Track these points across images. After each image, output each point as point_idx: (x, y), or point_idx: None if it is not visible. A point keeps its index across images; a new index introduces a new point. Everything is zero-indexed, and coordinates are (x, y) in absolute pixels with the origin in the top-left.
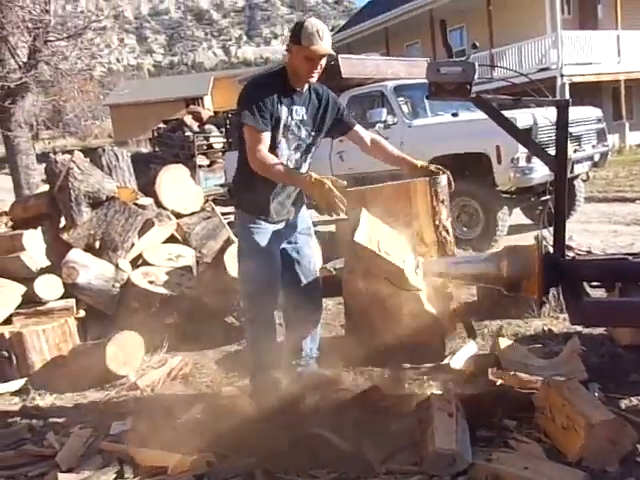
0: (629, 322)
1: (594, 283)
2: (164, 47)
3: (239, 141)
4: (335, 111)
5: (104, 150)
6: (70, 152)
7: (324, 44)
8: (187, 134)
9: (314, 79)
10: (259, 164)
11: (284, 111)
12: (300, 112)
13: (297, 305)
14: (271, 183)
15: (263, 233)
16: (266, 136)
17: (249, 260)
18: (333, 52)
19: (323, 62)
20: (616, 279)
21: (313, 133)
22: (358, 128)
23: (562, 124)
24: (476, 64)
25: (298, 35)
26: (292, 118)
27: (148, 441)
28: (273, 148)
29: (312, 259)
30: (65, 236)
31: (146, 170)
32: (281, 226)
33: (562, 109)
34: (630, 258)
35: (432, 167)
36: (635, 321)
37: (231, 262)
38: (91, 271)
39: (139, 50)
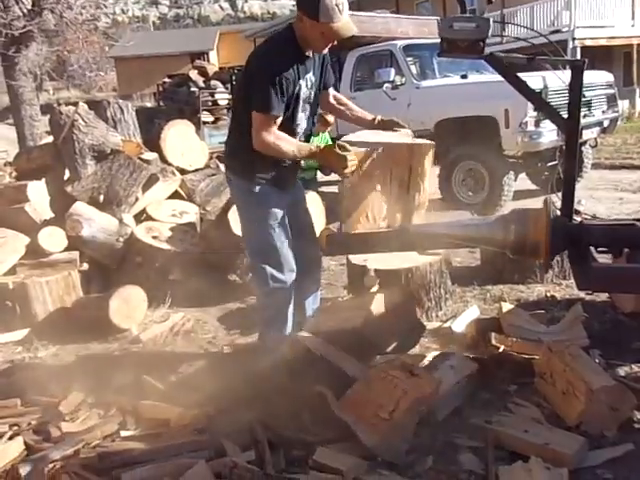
0: (637, 289)
1: (601, 249)
2: None
3: (242, 103)
4: (327, 65)
5: (109, 103)
6: (74, 104)
7: (345, 20)
8: (192, 90)
9: (325, 52)
10: (267, 147)
11: (302, 84)
12: (312, 78)
13: (300, 266)
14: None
15: (271, 197)
16: (278, 120)
17: (261, 226)
18: (356, 30)
19: None
20: (624, 245)
21: (319, 92)
22: (332, 89)
23: (576, 86)
24: (491, 20)
25: (315, 8)
26: (307, 87)
27: (150, 394)
28: (292, 122)
29: (311, 219)
30: (69, 189)
31: (150, 125)
32: (286, 189)
33: (577, 70)
34: (638, 224)
35: (395, 119)
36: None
37: (234, 220)
38: (95, 224)
39: (144, 1)
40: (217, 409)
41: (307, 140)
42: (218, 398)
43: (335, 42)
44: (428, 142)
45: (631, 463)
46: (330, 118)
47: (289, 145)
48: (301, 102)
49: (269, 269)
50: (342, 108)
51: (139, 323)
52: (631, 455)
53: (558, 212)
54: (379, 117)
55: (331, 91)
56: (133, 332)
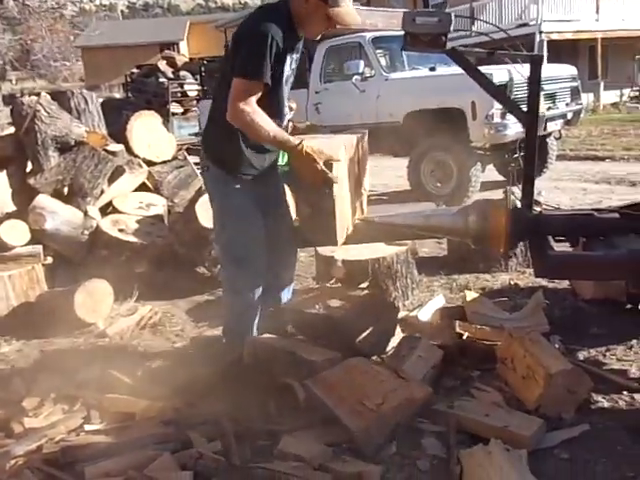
0: (590, 276)
1: (559, 238)
2: None
3: (220, 87)
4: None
5: (73, 93)
6: (38, 94)
7: (351, 9)
8: (161, 80)
9: (317, 37)
10: (243, 120)
11: (287, 63)
12: (295, 61)
13: (276, 257)
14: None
15: (250, 192)
16: (261, 91)
17: (236, 223)
18: (358, 21)
19: None
20: (581, 234)
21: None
22: None
23: (535, 79)
24: (452, 15)
25: None
26: (291, 68)
27: (116, 388)
28: (277, 102)
29: (289, 210)
30: (32, 181)
31: (118, 116)
32: (265, 182)
33: (536, 64)
34: (595, 214)
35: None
36: (596, 275)
37: (203, 212)
38: (59, 217)
39: None
40: (183, 402)
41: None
42: (184, 391)
43: (334, 28)
44: (361, 132)
45: (587, 443)
46: (292, 104)
47: (267, 125)
48: (284, 82)
49: (238, 270)
50: None
51: (105, 317)
52: (587, 435)
53: (519, 203)
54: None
55: None
56: (99, 326)
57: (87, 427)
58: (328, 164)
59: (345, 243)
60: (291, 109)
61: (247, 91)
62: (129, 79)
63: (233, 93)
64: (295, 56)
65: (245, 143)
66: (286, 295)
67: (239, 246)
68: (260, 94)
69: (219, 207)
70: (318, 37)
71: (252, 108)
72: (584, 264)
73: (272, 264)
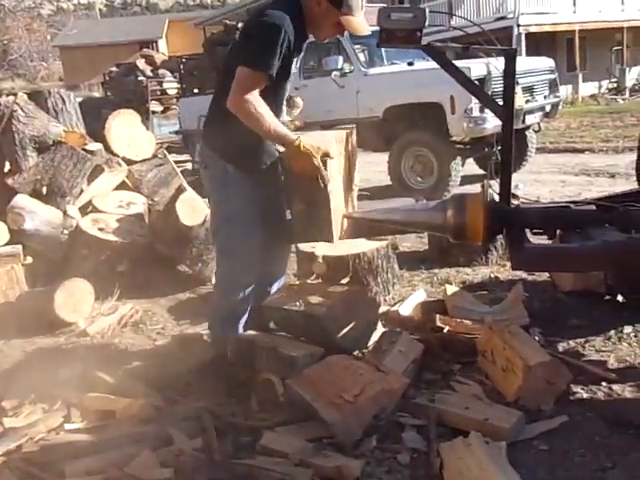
0: (566, 267)
1: (537, 230)
2: None
3: (227, 80)
4: None
5: (50, 93)
6: (14, 94)
7: (363, 20)
8: (140, 79)
9: (325, 40)
10: (244, 110)
11: (294, 62)
12: (298, 60)
13: (270, 254)
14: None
15: (249, 191)
16: (265, 83)
17: (233, 224)
18: (369, 31)
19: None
20: (558, 226)
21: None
22: None
23: (509, 73)
24: (427, 10)
25: None
26: (296, 68)
27: (96, 387)
28: (276, 99)
29: (284, 207)
30: (10, 181)
31: (97, 115)
32: (265, 177)
33: (510, 58)
34: (572, 206)
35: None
36: (572, 266)
37: (183, 210)
38: (38, 217)
39: None
40: (164, 399)
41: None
42: (166, 388)
43: (342, 35)
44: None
45: (565, 434)
46: (299, 100)
47: (269, 117)
48: (289, 79)
49: (230, 269)
50: None
51: (86, 316)
52: (565, 426)
53: (496, 196)
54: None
55: None
56: (80, 325)
57: (67, 426)
58: (323, 161)
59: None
60: (297, 105)
61: (252, 81)
62: (107, 77)
63: (237, 82)
64: (300, 56)
65: (246, 135)
66: (277, 287)
67: (235, 245)
68: (263, 87)
69: (216, 206)
70: (324, 40)
71: (255, 98)
72: (559, 256)
73: (266, 260)
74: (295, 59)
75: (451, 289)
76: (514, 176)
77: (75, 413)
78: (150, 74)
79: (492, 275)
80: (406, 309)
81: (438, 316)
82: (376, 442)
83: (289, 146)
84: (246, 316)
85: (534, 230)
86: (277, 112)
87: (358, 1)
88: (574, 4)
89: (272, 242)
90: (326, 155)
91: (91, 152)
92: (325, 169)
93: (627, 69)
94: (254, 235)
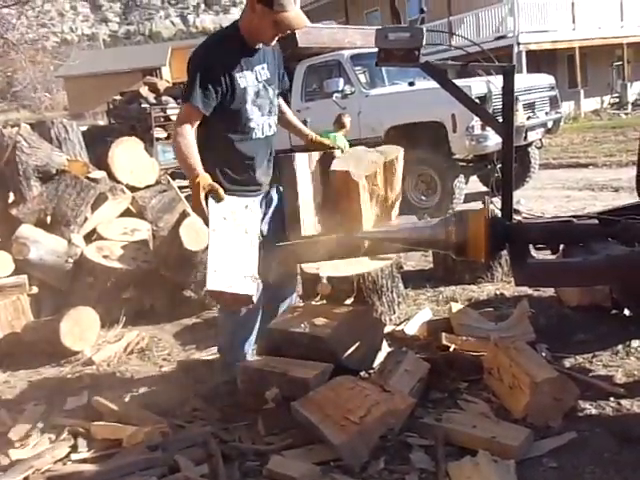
0: (569, 282)
1: (540, 245)
2: (119, 16)
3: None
4: (280, 64)
5: (53, 123)
6: (17, 125)
7: (298, 12)
8: (143, 106)
9: (273, 43)
10: (174, 140)
11: (250, 76)
12: (264, 71)
13: (277, 275)
14: (248, 153)
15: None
16: (199, 116)
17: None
18: (307, 23)
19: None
20: (560, 241)
21: (277, 90)
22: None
23: (508, 90)
24: (424, 29)
25: None
26: (259, 80)
27: (103, 415)
28: (245, 120)
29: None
30: (14, 211)
31: (102, 143)
32: (258, 194)
33: (508, 75)
34: (574, 220)
35: (326, 142)
36: (575, 281)
37: (187, 235)
38: (42, 247)
39: (93, 19)
40: (171, 426)
41: (267, 145)
42: (172, 415)
43: (284, 33)
44: (395, 148)
45: (574, 450)
46: (347, 120)
47: (185, 149)
48: (251, 95)
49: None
50: (285, 118)
51: (92, 345)
52: (574, 443)
53: (498, 212)
54: (314, 135)
55: (282, 101)
56: (86, 354)
57: (74, 456)
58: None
59: (332, 259)
60: (344, 125)
61: (183, 114)
62: (111, 105)
63: (178, 115)
64: (259, 67)
65: (226, 160)
66: (286, 305)
67: None
68: (197, 118)
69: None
70: (273, 42)
71: (181, 131)
72: (562, 271)
73: (273, 280)
74: (251, 74)
75: (456, 307)
76: (518, 192)
77: (82, 443)
78: (153, 101)
79: (498, 292)
80: (412, 328)
81: (444, 334)
82: (384, 464)
83: (191, 178)
84: (254, 336)
85: (537, 245)
86: (246, 131)
87: None
88: (573, 21)
89: (277, 261)
90: (211, 191)
91: (95, 180)
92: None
93: (629, 84)
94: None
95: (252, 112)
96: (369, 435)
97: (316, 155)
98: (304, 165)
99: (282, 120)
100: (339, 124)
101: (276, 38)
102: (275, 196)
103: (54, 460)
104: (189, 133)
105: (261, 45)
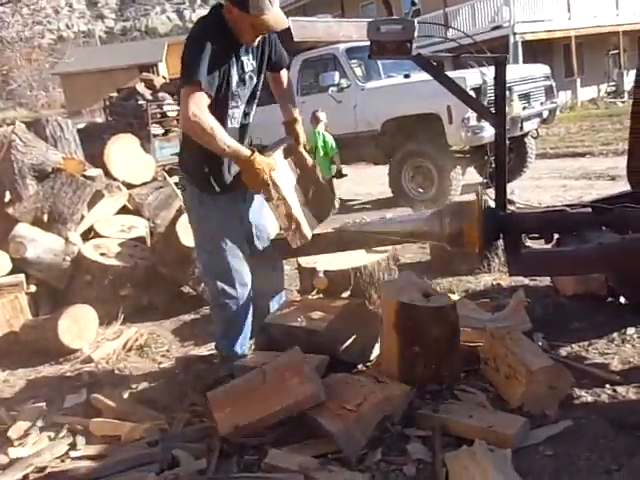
0: (563, 271)
1: (534, 235)
2: (115, 12)
3: None
4: (273, 46)
5: (48, 121)
6: (12, 124)
7: (276, 12)
8: (140, 102)
9: (256, 43)
10: (195, 125)
11: (236, 66)
12: (250, 61)
13: (262, 272)
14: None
15: (225, 207)
16: (206, 98)
17: (215, 240)
18: (287, 23)
19: None
20: (554, 230)
21: (260, 77)
22: (285, 72)
23: (500, 80)
24: (415, 21)
25: (245, 0)
26: (244, 71)
27: (102, 412)
28: (226, 108)
29: (268, 227)
30: (11, 210)
31: (100, 140)
32: (236, 195)
33: (500, 65)
34: (568, 209)
35: (296, 127)
36: (568, 269)
37: (183, 231)
38: (39, 245)
39: (89, 15)
40: (169, 421)
41: (242, 133)
42: (171, 410)
43: (266, 34)
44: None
45: (570, 438)
46: (321, 115)
47: (220, 132)
48: (235, 83)
49: (220, 284)
50: (283, 93)
51: (91, 342)
52: (570, 430)
53: (492, 203)
54: (294, 119)
55: (284, 74)
56: (85, 352)
57: (73, 453)
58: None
59: (328, 252)
60: (318, 120)
61: (190, 96)
62: (107, 102)
63: (182, 103)
64: (245, 58)
65: (213, 162)
66: (277, 303)
67: (219, 261)
68: (206, 99)
69: (197, 226)
70: (255, 42)
71: (202, 115)
72: (556, 260)
73: (259, 276)
74: (237, 63)
75: (453, 298)
76: (515, 182)
77: (81, 440)
78: (150, 97)
79: (494, 282)
80: None
81: None
82: (381, 455)
83: (242, 161)
84: (248, 332)
85: (531, 235)
86: (226, 119)
87: (265, 0)
88: (569, 10)
89: (259, 258)
90: (272, 169)
91: (91, 178)
92: (276, 185)
93: (625, 72)
94: (237, 250)
95: (235, 99)
96: (366, 422)
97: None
98: (287, 170)
99: (281, 98)
100: (315, 120)
101: (258, 39)
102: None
103: (53, 458)
104: (209, 115)
105: None
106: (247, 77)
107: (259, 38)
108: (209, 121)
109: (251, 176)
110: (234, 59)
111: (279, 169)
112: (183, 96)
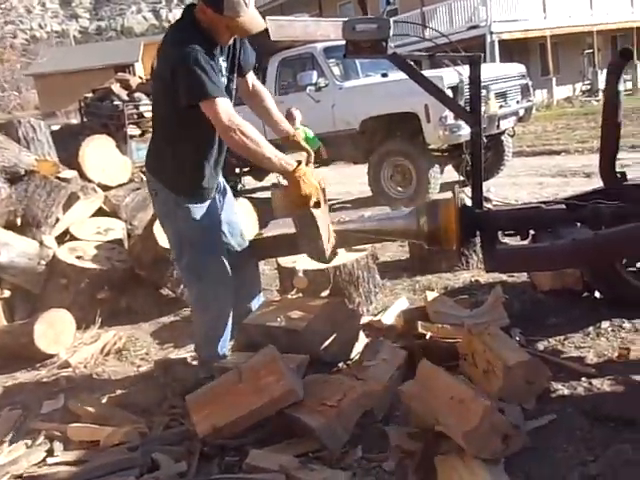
0: (538, 266)
1: (510, 232)
2: (90, 11)
3: (164, 103)
4: (241, 47)
5: (20, 122)
6: None
7: (251, 14)
8: (116, 103)
9: (230, 42)
10: (237, 141)
11: (222, 72)
12: (225, 63)
13: (235, 272)
14: (203, 156)
15: (203, 209)
16: (230, 103)
17: (195, 242)
18: (264, 25)
19: None
20: (529, 227)
21: (234, 76)
22: (251, 74)
23: (475, 79)
24: (391, 20)
25: (219, 1)
26: (223, 75)
27: (80, 418)
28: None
29: (239, 223)
30: None
31: (75, 142)
32: (213, 197)
33: (474, 64)
34: (543, 206)
35: (304, 145)
36: (543, 265)
37: (161, 233)
38: (13, 249)
39: (63, 15)
40: (150, 425)
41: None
42: (150, 414)
43: (242, 36)
44: None
45: (547, 431)
46: (296, 112)
47: (264, 140)
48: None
49: (202, 287)
50: (260, 102)
51: (68, 347)
52: (548, 423)
53: (468, 200)
54: (293, 131)
55: (250, 77)
56: (62, 357)
57: (50, 460)
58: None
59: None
60: (292, 116)
61: (223, 110)
62: (83, 103)
63: (214, 119)
64: (221, 60)
65: (192, 165)
66: (256, 304)
67: (201, 264)
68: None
69: (174, 230)
70: (230, 41)
71: (240, 126)
72: (530, 256)
73: (238, 280)
74: (218, 66)
75: (432, 295)
76: (492, 180)
77: (58, 446)
78: (126, 98)
79: (473, 279)
80: (388, 318)
81: (420, 323)
82: (362, 452)
83: (290, 175)
84: (229, 334)
85: (507, 232)
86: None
87: (240, 1)
88: (544, 10)
89: (237, 261)
90: (319, 185)
91: (65, 180)
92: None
93: (599, 71)
94: (218, 250)
95: None
96: (347, 417)
97: None
98: None
99: (258, 107)
100: (291, 118)
101: (231, 40)
102: (222, 183)
103: (30, 465)
104: (246, 122)
105: None
106: (226, 80)
107: (231, 40)
108: (250, 130)
109: (302, 189)
110: (219, 63)
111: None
112: (209, 110)
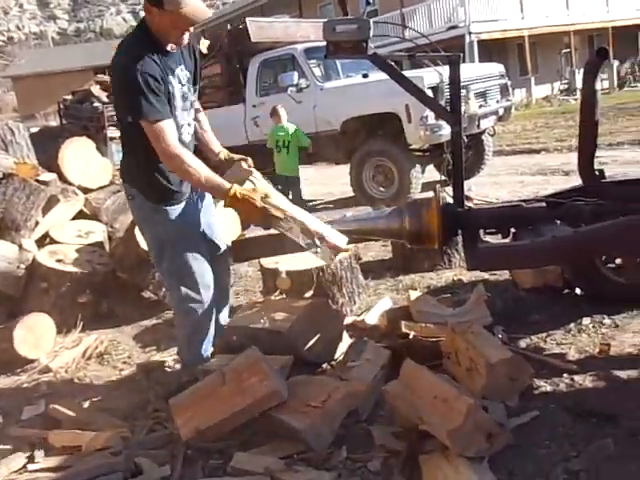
0: (518, 264)
1: (491, 230)
2: (68, 13)
3: (122, 113)
4: (197, 58)
5: None
6: None
7: (194, 4)
8: (95, 105)
9: (185, 42)
10: (175, 164)
11: (174, 81)
12: (183, 72)
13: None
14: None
15: (180, 212)
16: (172, 125)
17: (174, 245)
18: (209, 14)
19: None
20: (510, 225)
21: (195, 85)
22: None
23: (454, 79)
24: (371, 21)
25: None
26: (182, 83)
27: (61, 422)
28: (178, 128)
29: (218, 225)
30: None
31: (55, 144)
32: (189, 198)
33: (454, 64)
34: (523, 204)
35: (235, 157)
36: (523, 263)
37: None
38: None
39: (41, 16)
40: (132, 429)
41: (191, 141)
42: (132, 417)
43: (190, 30)
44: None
45: (530, 427)
46: (281, 110)
47: (200, 168)
48: (179, 100)
49: (184, 289)
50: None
51: (49, 351)
52: (531, 419)
53: (450, 199)
54: (224, 153)
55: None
56: (42, 361)
57: (30, 466)
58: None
59: (283, 253)
60: (278, 114)
61: (160, 131)
62: (62, 106)
63: (152, 139)
64: (179, 69)
65: (159, 171)
66: (225, 317)
67: (182, 266)
68: (174, 130)
69: (153, 234)
70: (185, 41)
71: (176, 151)
72: (511, 254)
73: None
74: (176, 77)
75: (415, 295)
76: (472, 179)
77: (39, 452)
78: (106, 100)
79: (455, 278)
80: (372, 318)
81: (403, 322)
82: (347, 452)
83: (225, 198)
84: (212, 337)
85: (488, 230)
86: (186, 132)
87: None
88: (522, 10)
89: (213, 266)
90: (266, 195)
91: (45, 183)
92: (276, 208)
93: (577, 70)
94: (198, 253)
95: (183, 118)
96: (332, 418)
97: None
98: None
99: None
100: (276, 116)
101: (185, 36)
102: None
103: (10, 472)
104: (183, 149)
105: (174, 45)
106: (186, 88)
107: (186, 36)
108: (189, 157)
109: (242, 210)
110: (171, 75)
111: (269, 190)
112: (150, 132)
